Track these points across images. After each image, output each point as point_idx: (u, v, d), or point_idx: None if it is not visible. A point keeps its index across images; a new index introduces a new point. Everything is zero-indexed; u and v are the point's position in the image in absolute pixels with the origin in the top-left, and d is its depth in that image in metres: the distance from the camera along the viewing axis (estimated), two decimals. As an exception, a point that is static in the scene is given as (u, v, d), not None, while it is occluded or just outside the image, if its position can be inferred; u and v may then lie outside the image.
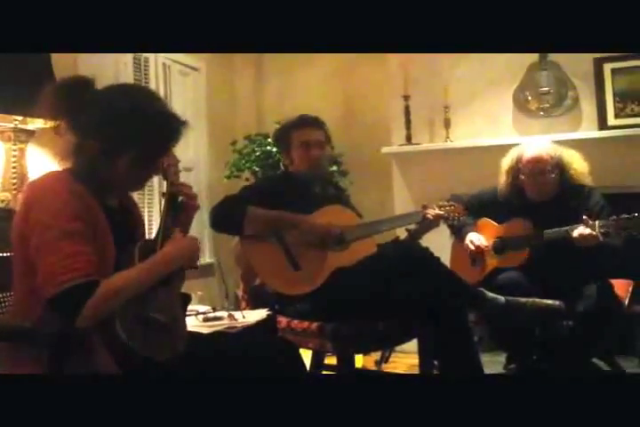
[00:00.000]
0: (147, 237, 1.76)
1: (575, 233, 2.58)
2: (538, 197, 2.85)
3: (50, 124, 1.54)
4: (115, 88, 1.58)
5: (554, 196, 2.83)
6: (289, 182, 2.54)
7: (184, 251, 1.56)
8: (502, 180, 2.92)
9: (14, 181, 2.59)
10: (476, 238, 2.88)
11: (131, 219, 1.70)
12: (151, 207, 3.80)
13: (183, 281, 1.65)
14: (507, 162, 2.93)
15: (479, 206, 2.99)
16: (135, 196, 3.62)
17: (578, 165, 2.81)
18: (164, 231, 1.57)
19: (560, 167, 2.80)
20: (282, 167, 2.74)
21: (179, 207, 1.64)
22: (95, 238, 1.46)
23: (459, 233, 2.98)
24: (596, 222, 2.54)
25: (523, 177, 2.84)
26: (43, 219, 1.41)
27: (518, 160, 2.86)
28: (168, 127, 1.55)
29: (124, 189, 1.66)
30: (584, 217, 2.56)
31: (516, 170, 2.88)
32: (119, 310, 1.41)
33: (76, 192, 1.46)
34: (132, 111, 1.51)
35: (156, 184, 3.80)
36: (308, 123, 2.58)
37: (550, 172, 2.78)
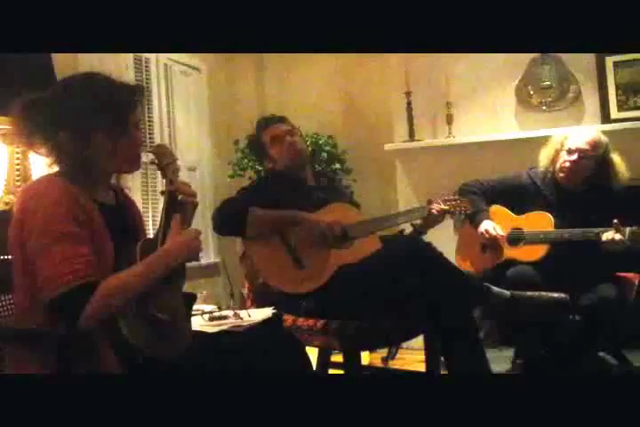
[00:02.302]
0: (148, 235, 1.76)
1: (604, 237, 2.56)
2: (569, 183, 2.79)
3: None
4: (62, 80, 1.62)
5: (585, 189, 2.79)
6: (282, 180, 2.54)
7: (184, 246, 1.55)
8: (542, 161, 2.87)
9: (18, 183, 2.60)
10: (491, 227, 2.79)
11: (129, 217, 1.70)
12: (155, 208, 3.81)
13: (185, 279, 1.65)
14: (552, 142, 2.87)
15: (500, 192, 2.92)
16: (139, 197, 3.63)
17: (620, 167, 2.76)
18: (165, 230, 1.56)
19: (603, 162, 2.75)
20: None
21: (178, 205, 1.64)
22: (92, 239, 1.46)
23: (472, 218, 2.87)
24: (627, 229, 2.53)
25: (561, 159, 2.78)
26: (38, 223, 1.42)
27: (564, 141, 2.80)
28: (120, 94, 1.57)
29: (119, 171, 1.65)
30: (615, 221, 2.53)
31: (557, 151, 2.82)
32: (123, 309, 1.41)
33: (70, 193, 1.47)
34: (82, 90, 1.54)
35: (159, 184, 3.81)
36: (270, 120, 2.65)
37: (591, 158, 2.73)
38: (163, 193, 1.63)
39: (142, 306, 1.46)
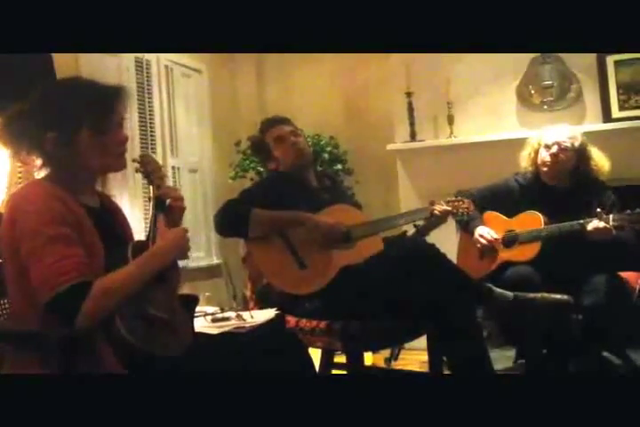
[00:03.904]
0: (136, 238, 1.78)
1: (590, 227, 2.59)
2: (553, 180, 2.85)
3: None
4: (44, 85, 1.64)
5: (569, 185, 2.84)
6: (285, 181, 2.54)
7: (172, 243, 1.58)
8: (522, 162, 2.95)
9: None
10: (485, 232, 2.86)
11: (115, 220, 1.73)
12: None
13: (180, 276, 1.67)
14: (529, 143, 2.95)
15: (491, 198, 2.98)
16: (141, 204, 3.63)
17: (599, 160, 2.82)
18: (154, 233, 1.60)
19: (581, 155, 2.81)
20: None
21: (166, 209, 1.67)
22: (82, 240, 1.48)
23: (467, 227, 2.95)
24: (610, 216, 2.57)
25: (541, 156, 2.84)
26: (29, 226, 1.43)
27: (541, 139, 2.88)
28: (104, 94, 1.60)
29: (103, 170, 1.66)
30: (597, 210, 2.59)
31: (536, 151, 2.89)
32: (119, 308, 1.43)
33: (58, 196, 1.49)
34: (66, 91, 1.59)
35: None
36: (274, 121, 2.66)
37: (570, 151, 2.79)
38: (150, 199, 1.66)
39: (138, 305, 1.47)
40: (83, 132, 1.54)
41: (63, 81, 1.65)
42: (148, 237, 1.60)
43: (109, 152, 1.60)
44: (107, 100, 1.59)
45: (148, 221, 3.64)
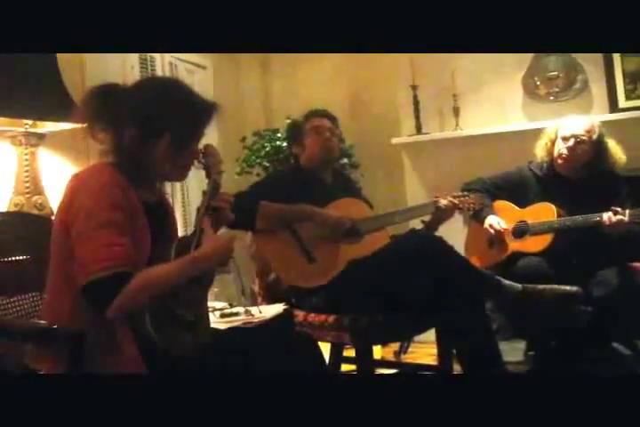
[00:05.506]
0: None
1: (605, 217, 2.57)
2: (569, 171, 2.82)
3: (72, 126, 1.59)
4: (145, 79, 1.66)
5: (584, 177, 2.82)
6: (300, 176, 2.54)
7: (220, 250, 1.57)
8: (538, 152, 2.91)
9: (27, 184, 2.60)
10: (495, 222, 2.83)
11: (166, 217, 1.72)
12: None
13: (213, 278, 1.67)
14: (546, 133, 2.90)
15: (503, 186, 2.95)
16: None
17: (615, 153, 2.79)
18: (201, 230, 1.58)
19: (598, 148, 2.78)
20: (292, 161, 2.74)
21: (213, 209, 1.64)
22: (133, 231, 1.48)
23: (478, 215, 2.90)
24: (627, 211, 2.55)
25: (558, 148, 2.81)
26: (85, 207, 1.44)
27: (558, 130, 2.84)
28: (199, 107, 1.61)
29: (166, 177, 1.68)
30: (612, 208, 2.56)
31: (552, 141, 2.85)
32: (150, 305, 1.42)
33: (119, 184, 1.49)
34: (165, 94, 1.58)
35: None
36: (319, 113, 2.66)
37: (586, 144, 2.76)
38: (204, 193, 1.65)
39: (170, 303, 1.47)
40: (164, 139, 1.55)
41: (166, 81, 1.66)
42: (193, 234, 1.58)
43: (179, 163, 1.61)
44: (198, 116, 1.61)
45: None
